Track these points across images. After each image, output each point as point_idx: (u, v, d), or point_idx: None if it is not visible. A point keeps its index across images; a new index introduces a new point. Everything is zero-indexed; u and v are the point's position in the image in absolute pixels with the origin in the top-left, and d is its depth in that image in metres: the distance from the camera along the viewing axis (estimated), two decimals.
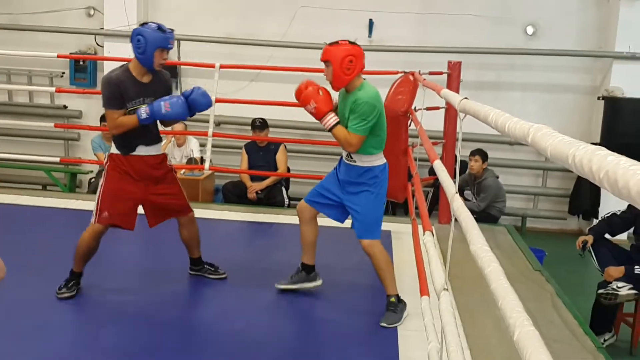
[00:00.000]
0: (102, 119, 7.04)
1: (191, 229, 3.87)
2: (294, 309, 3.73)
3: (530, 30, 7.54)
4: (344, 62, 3.27)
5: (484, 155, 6.25)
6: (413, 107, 4.95)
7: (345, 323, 3.51)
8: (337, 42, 3.38)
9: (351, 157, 3.46)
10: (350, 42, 3.39)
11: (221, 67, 5.93)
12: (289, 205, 6.44)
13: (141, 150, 3.57)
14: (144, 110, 3.40)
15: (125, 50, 7.57)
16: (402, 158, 5.01)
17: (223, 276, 4.04)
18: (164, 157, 3.76)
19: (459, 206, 1.63)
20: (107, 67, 7.62)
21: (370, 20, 7.66)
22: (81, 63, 7.74)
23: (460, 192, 6.66)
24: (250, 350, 3.17)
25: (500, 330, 3.35)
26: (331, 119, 3.38)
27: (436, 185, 6.58)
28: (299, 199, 7.21)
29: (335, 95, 3.53)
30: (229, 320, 3.51)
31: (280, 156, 6.46)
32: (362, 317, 3.57)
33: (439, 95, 2.67)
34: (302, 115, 7.17)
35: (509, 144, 7.57)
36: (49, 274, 3.83)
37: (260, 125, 6.44)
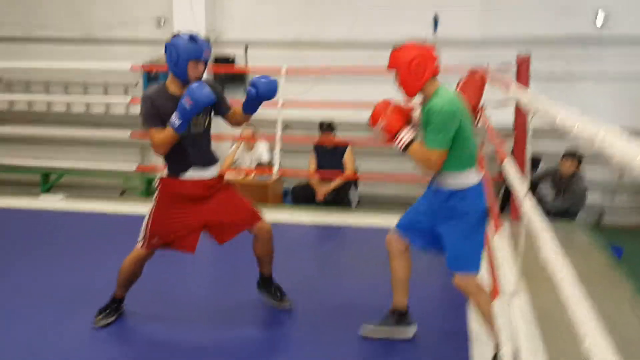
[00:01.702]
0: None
1: (266, 244, 3.49)
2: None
3: (600, 16, 7.27)
4: (411, 66, 2.88)
5: (579, 158, 6.09)
6: (481, 104, 4.87)
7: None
8: (401, 46, 2.98)
9: (436, 180, 2.98)
10: (418, 43, 2.98)
11: (287, 70, 6.01)
12: (357, 206, 6.48)
13: (194, 174, 3.32)
14: (173, 117, 3.11)
15: None
16: None
17: (287, 306, 3.63)
18: (220, 178, 3.44)
19: (528, 209, 1.61)
20: None
21: (435, 16, 7.58)
22: (153, 73, 8.00)
23: (535, 186, 6.50)
24: None
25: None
26: (404, 136, 2.92)
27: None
28: (368, 199, 7.32)
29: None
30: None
31: (347, 157, 6.49)
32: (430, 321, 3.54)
33: (506, 93, 2.62)
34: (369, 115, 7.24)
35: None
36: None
37: (327, 128, 6.51)
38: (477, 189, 2.92)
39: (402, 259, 3.14)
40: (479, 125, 4.86)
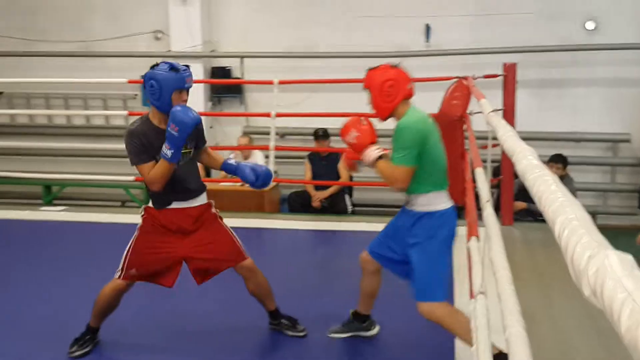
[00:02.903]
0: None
1: (256, 280, 3.35)
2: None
3: (590, 25, 7.41)
4: (383, 87, 2.87)
5: (564, 161, 6.19)
6: (468, 112, 5.01)
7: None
8: (377, 67, 2.97)
9: (407, 201, 2.98)
10: (392, 66, 2.96)
11: (280, 82, 6.15)
12: (353, 212, 6.62)
13: (179, 205, 3.16)
14: (164, 148, 2.94)
15: (193, 71, 7.93)
16: (459, 162, 5.07)
17: (302, 334, 3.48)
18: (208, 206, 3.27)
19: (488, 214, 1.74)
20: None
21: (427, 25, 7.72)
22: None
23: (527, 193, 6.62)
24: None
25: (558, 331, 3.38)
26: (373, 151, 2.90)
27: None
28: (362, 206, 7.44)
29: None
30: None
31: (342, 165, 6.62)
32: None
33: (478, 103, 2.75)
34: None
35: (575, 141, 7.46)
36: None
37: (322, 135, 6.66)
38: (446, 213, 2.89)
39: (373, 279, 3.21)
40: (465, 132, 5.00)
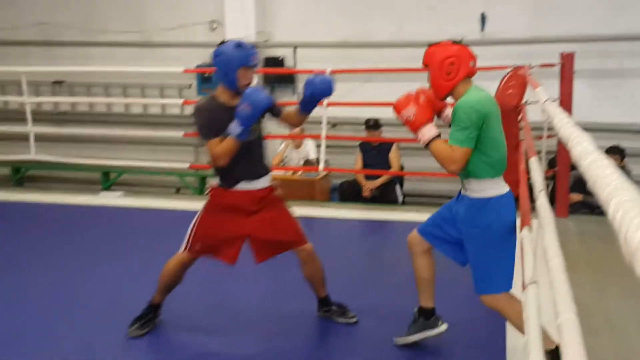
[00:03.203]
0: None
1: (312, 265, 3.37)
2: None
3: None
4: (443, 65, 2.75)
5: (621, 153, 6.03)
6: (523, 102, 4.93)
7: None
8: (438, 43, 2.85)
9: (462, 186, 2.86)
10: (455, 42, 2.84)
11: (332, 72, 6.16)
12: (403, 203, 6.60)
13: (245, 186, 3.23)
14: (233, 125, 3.03)
15: None
16: (513, 153, 5.00)
17: (353, 320, 3.49)
18: (271, 189, 3.32)
19: (542, 204, 1.72)
20: None
21: (483, 14, 7.59)
22: (206, 75, 8.28)
23: (583, 185, 6.46)
24: None
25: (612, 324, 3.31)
26: (429, 130, 2.77)
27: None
28: (413, 196, 7.40)
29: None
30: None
31: (393, 155, 6.62)
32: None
33: (535, 92, 2.70)
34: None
35: (634, 132, 7.23)
36: None
37: (373, 125, 6.65)
38: (502, 200, 2.74)
39: (424, 258, 3.03)
40: (520, 123, 4.92)
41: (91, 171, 8.45)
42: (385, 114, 7.18)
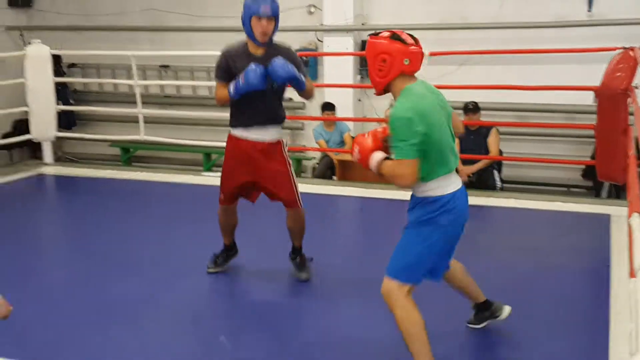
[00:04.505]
0: (323, 108, 7.61)
1: (296, 222, 3.78)
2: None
3: None
4: (375, 61, 2.64)
5: None
6: (634, 85, 4.71)
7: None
8: (376, 34, 2.71)
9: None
10: (393, 35, 2.66)
11: (430, 54, 6.10)
12: (501, 189, 6.46)
13: (247, 134, 3.57)
14: (232, 84, 3.42)
15: (343, 44, 8.08)
16: (621, 138, 4.79)
17: (303, 277, 3.88)
18: (278, 145, 3.65)
19: None
20: (327, 62, 8.21)
21: None
22: (304, 59, 8.40)
23: None
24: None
25: None
26: (374, 156, 2.64)
27: None
28: (512, 182, 7.22)
29: None
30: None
31: (492, 139, 6.48)
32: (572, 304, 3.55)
33: None
34: (515, 97, 7.11)
35: None
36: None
37: (472, 108, 6.52)
38: (440, 201, 2.64)
39: (452, 276, 3.06)
40: (630, 106, 4.70)
41: (194, 152, 8.78)
42: (485, 97, 7.06)
